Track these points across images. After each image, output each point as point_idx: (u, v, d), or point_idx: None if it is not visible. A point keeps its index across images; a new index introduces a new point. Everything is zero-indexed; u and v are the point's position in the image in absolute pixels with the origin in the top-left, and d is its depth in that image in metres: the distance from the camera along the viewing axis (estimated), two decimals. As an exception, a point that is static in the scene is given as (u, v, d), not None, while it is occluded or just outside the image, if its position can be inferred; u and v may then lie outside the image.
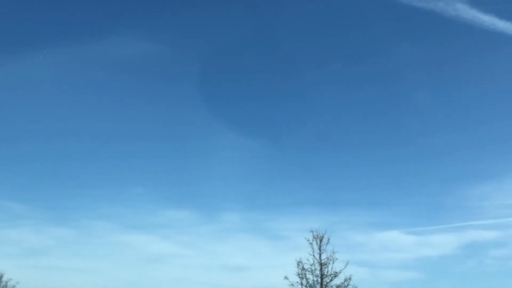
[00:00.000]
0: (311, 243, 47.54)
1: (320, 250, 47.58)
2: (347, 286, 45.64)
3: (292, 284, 45.67)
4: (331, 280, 46.35)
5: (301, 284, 45.88)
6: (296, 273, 46.35)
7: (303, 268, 46.50)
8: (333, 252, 47.27)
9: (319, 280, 46.43)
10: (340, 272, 46.16)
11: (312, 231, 47.99)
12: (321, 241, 47.62)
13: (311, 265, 46.61)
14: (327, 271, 46.64)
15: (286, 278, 46.07)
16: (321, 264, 46.82)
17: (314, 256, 47.02)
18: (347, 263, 46.89)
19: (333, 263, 46.91)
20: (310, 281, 46.27)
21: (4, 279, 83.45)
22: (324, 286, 46.16)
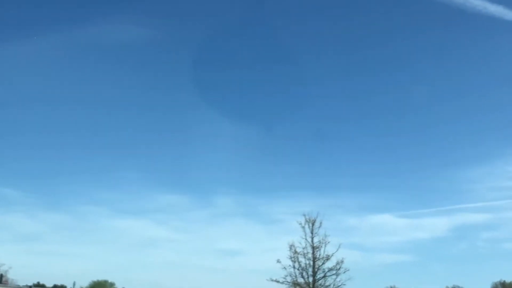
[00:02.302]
0: (303, 227, 47.65)
1: (312, 233, 47.71)
2: (339, 269, 45.87)
3: (284, 267, 45.86)
4: (323, 263, 46.57)
5: (294, 267, 46.09)
6: (289, 257, 46.53)
7: (295, 252, 46.65)
8: (325, 236, 47.45)
9: (311, 263, 46.56)
10: (332, 255, 46.36)
11: (304, 215, 48.10)
12: (313, 224, 47.69)
13: (304, 249, 46.77)
14: (319, 255, 46.83)
15: (278, 261, 46.21)
16: (313, 248, 46.92)
17: (306, 239, 47.18)
18: (339, 246, 47.09)
19: (325, 246, 47.11)
20: (303, 264, 46.49)
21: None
22: (316, 269, 46.33)
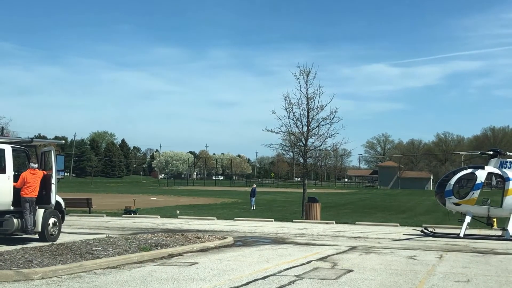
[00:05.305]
0: (298, 78, 46.88)
1: (307, 84, 47.11)
2: (332, 118, 46.13)
3: (279, 118, 46.08)
4: (317, 113, 46.72)
5: (288, 117, 46.33)
6: (283, 107, 46.51)
7: (290, 103, 46.52)
8: (320, 86, 46.97)
9: (306, 113, 46.83)
10: (326, 105, 46.32)
11: (299, 66, 47.06)
12: (307, 75, 46.94)
13: (298, 100, 46.55)
14: (314, 105, 46.75)
15: (273, 112, 46.34)
16: (307, 98, 46.78)
17: (301, 90, 46.69)
18: (333, 97, 46.87)
19: (319, 97, 46.77)
20: (297, 115, 46.68)
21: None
22: (310, 119, 46.77)
